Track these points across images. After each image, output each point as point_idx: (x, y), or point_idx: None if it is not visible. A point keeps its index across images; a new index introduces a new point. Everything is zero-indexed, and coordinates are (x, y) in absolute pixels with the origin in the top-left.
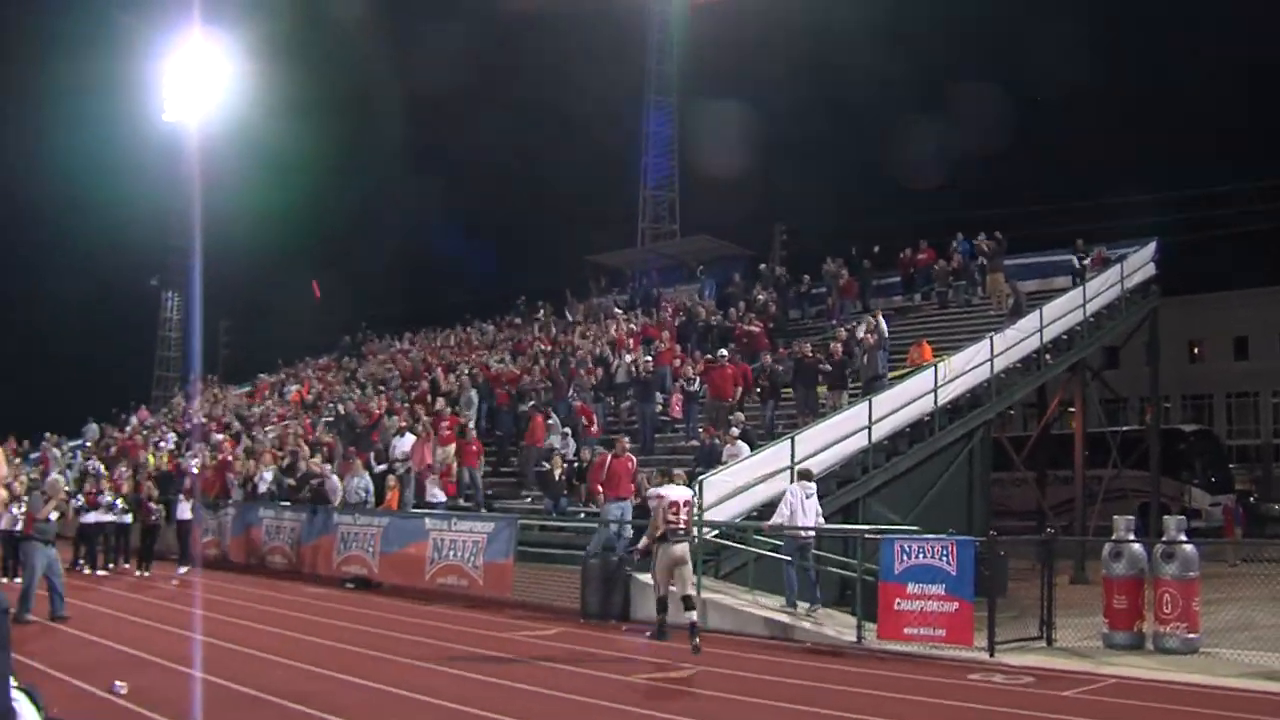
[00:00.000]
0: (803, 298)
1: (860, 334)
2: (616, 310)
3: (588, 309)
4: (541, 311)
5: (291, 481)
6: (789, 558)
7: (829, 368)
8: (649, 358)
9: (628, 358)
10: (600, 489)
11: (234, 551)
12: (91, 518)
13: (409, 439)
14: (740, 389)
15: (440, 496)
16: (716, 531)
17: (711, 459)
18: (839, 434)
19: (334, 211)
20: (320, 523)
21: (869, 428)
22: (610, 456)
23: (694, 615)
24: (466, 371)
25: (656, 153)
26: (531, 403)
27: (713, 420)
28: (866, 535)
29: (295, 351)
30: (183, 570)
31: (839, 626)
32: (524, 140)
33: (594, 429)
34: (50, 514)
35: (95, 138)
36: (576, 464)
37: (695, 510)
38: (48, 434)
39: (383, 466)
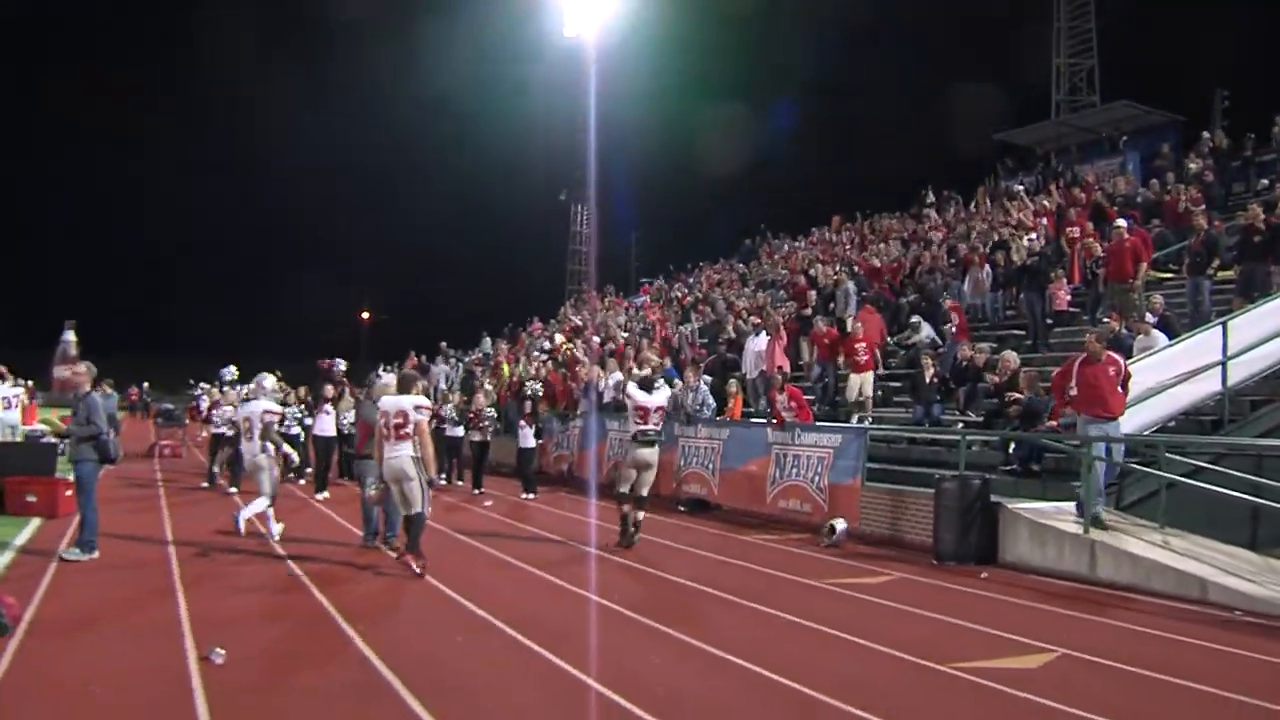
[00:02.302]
0: (1247, 166)
1: None
2: (1017, 187)
3: (990, 192)
4: (932, 197)
5: None
6: None
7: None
8: (1033, 236)
9: (1026, 240)
10: (1066, 401)
11: (580, 467)
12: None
13: (762, 339)
14: (1144, 265)
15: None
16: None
17: (1119, 353)
18: None
19: (738, 117)
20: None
21: None
22: (1079, 360)
23: (640, 515)
24: (841, 265)
25: (1071, 16)
26: (912, 296)
27: (1115, 305)
28: None
29: (702, 258)
30: (526, 496)
31: None
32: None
33: (955, 327)
34: None
35: (503, 57)
36: (963, 364)
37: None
38: (443, 343)
39: (707, 378)
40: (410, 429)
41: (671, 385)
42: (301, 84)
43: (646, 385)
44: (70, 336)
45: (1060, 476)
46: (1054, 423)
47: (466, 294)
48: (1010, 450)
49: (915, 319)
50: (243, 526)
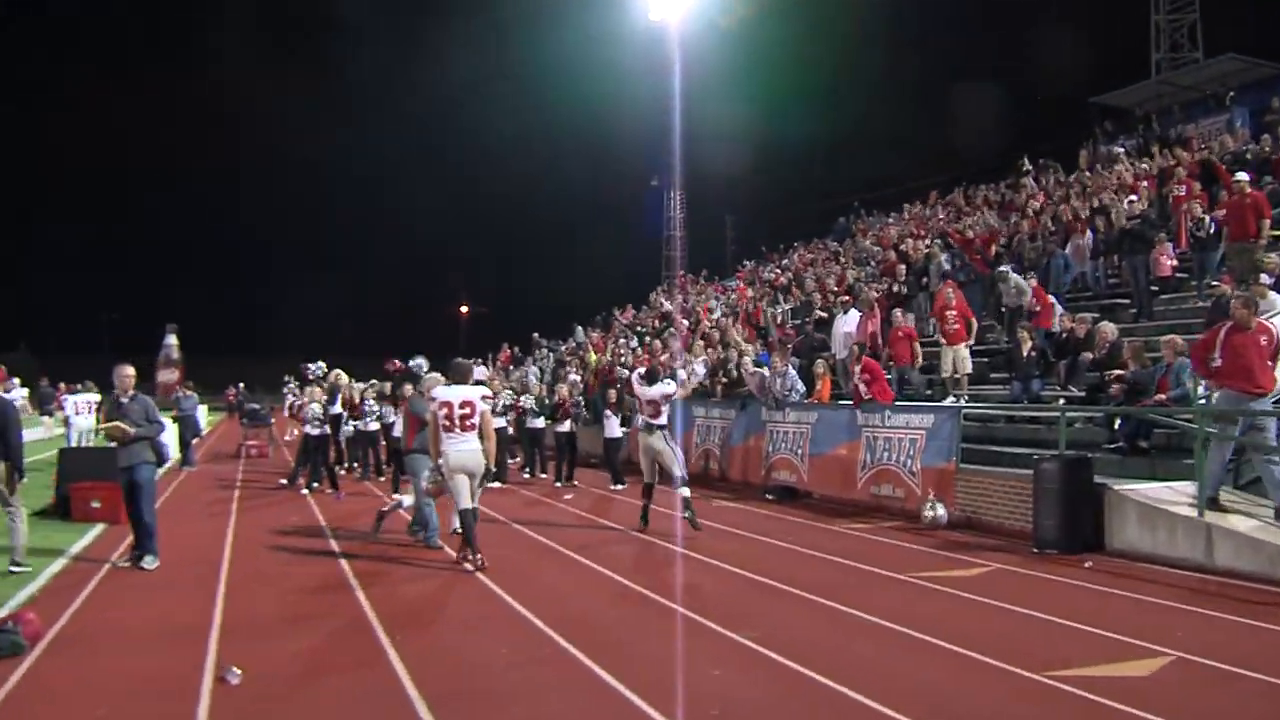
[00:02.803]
0: None
1: None
2: (1117, 149)
3: (1090, 158)
4: (1029, 165)
5: (723, 377)
6: None
7: None
8: (1134, 198)
9: (1127, 203)
10: (1209, 373)
11: None
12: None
13: (853, 316)
14: (1266, 222)
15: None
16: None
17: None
18: None
19: (826, 98)
20: (748, 420)
21: None
22: (1225, 328)
23: (686, 492)
24: (934, 238)
25: None
26: (1006, 265)
27: (1233, 268)
28: None
29: (797, 239)
30: (615, 488)
31: None
32: None
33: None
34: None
35: (590, 44)
36: (1063, 336)
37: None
38: (535, 334)
39: (795, 359)
40: (477, 419)
41: (759, 368)
42: (389, 80)
43: (651, 377)
44: (172, 340)
45: (1171, 454)
46: (1162, 396)
47: (563, 284)
48: (1115, 427)
49: (1002, 269)
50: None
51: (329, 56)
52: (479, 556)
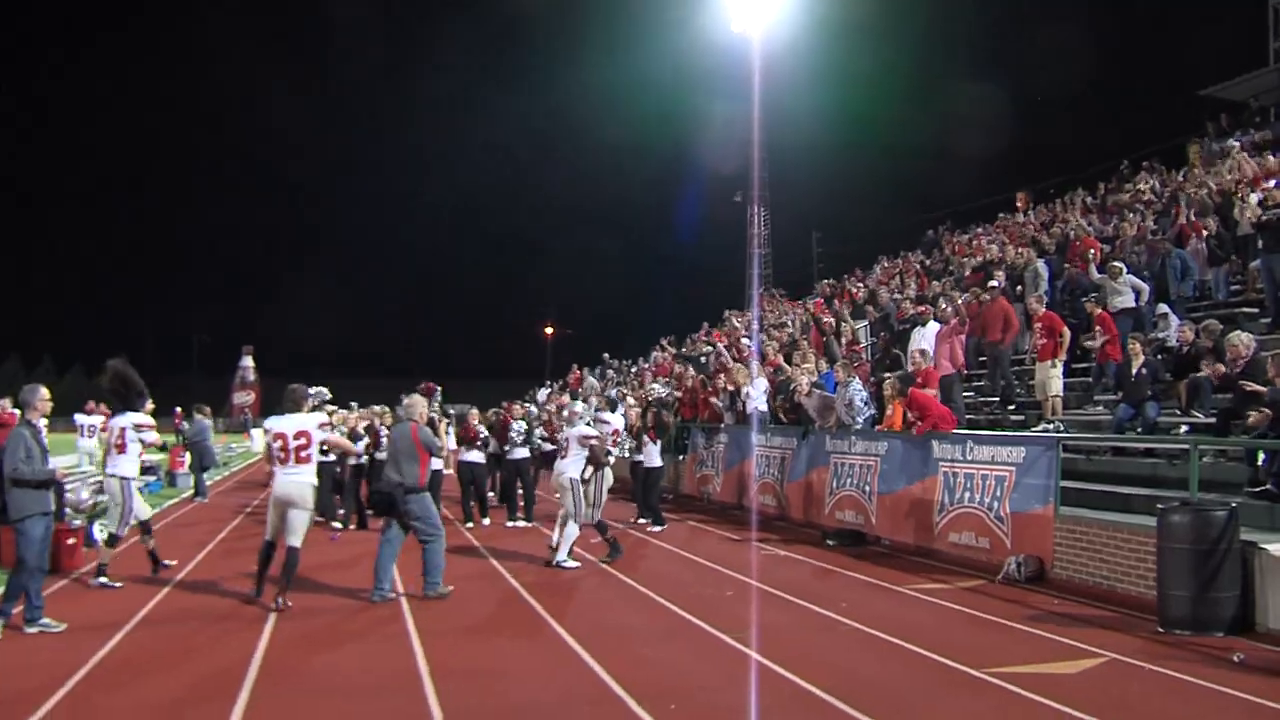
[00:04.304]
0: None
1: None
2: (1231, 143)
3: (1203, 154)
4: (1143, 175)
5: (781, 398)
6: None
7: None
8: (1270, 183)
9: (1254, 198)
10: None
11: (724, 490)
12: (470, 456)
13: (931, 328)
14: None
15: None
16: None
17: None
18: None
19: (912, 112)
20: (811, 450)
21: None
22: None
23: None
24: (1027, 242)
25: None
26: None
27: None
28: None
29: (884, 254)
30: (652, 530)
31: None
32: None
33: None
34: None
35: (672, 57)
36: (1185, 350)
37: None
38: (605, 354)
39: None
40: (312, 451)
41: (819, 388)
42: (476, 108)
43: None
44: (248, 362)
45: None
46: None
47: (651, 304)
48: (1259, 463)
49: (1116, 263)
50: (567, 560)
51: (429, 89)
52: (283, 599)
